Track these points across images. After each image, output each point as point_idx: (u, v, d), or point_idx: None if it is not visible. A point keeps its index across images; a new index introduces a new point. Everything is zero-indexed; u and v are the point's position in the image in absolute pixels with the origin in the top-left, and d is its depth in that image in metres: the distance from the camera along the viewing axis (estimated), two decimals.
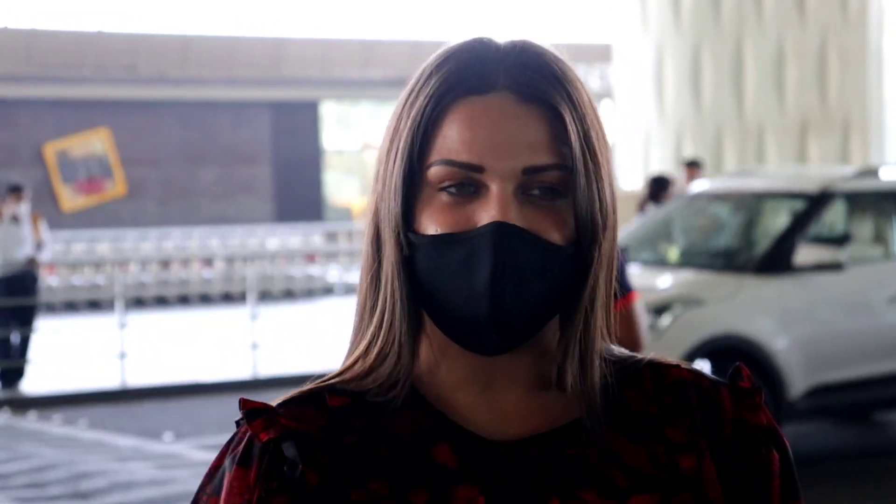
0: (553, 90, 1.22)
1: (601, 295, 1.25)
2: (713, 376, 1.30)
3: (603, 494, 1.22)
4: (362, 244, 1.28)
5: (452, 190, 1.21)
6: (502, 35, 1.28)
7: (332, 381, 1.27)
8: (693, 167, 13.94)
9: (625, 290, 4.54)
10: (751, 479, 1.27)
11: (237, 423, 1.26)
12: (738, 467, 1.27)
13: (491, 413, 1.24)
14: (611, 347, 1.28)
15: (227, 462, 1.25)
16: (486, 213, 1.19)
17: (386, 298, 1.24)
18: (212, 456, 10.09)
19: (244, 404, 1.25)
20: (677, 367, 1.30)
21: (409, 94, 1.25)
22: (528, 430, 1.24)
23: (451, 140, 1.21)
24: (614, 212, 1.25)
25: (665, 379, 1.28)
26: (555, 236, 1.21)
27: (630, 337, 4.50)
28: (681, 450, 1.25)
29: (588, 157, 1.22)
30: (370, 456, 1.22)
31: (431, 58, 1.26)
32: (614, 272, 1.27)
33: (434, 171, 1.21)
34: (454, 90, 1.22)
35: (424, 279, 1.22)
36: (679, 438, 1.25)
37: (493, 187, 1.20)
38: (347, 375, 1.26)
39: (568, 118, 1.21)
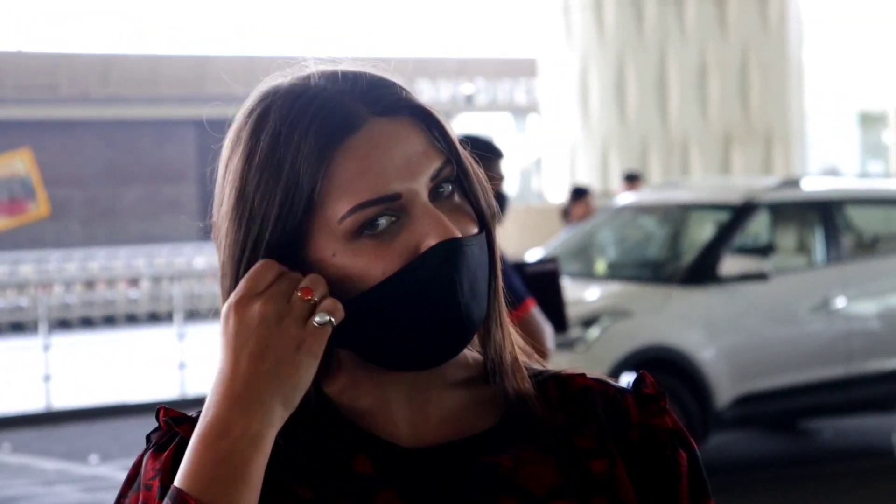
0: (406, 96, 1.23)
1: (500, 282, 1.27)
2: (618, 384, 1.31)
3: (522, 501, 1.23)
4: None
5: (369, 232, 1.18)
6: (314, 62, 1.24)
7: None
8: (632, 181, 13.84)
9: (519, 298, 4.43)
10: (659, 481, 1.28)
11: (148, 437, 1.26)
12: (646, 470, 1.28)
13: (409, 421, 1.25)
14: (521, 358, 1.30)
15: (143, 460, 1.25)
16: (428, 233, 1.18)
17: None
18: None
19: (167, 412, 1.25)
20: (582, 375, 1.30)
21: (262, 162, 1.20)
22: (445, 436, 1.25)
23: (352, 184, 1.18)
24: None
25: (570, 388, 1.29)
26: (473, 228, 1.23)
27: (532, 345, 4.45)
28: (591, 455, 1.26)
29: (456, 145, 1.25)
30: (295, 465, 1.23)
31: (269, 118, 1.20)
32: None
33: (349, 223, 1.18)
34: (331, 140, 1.19)
35: (375, 326, 1.20)
36: (588, 444, 1.26)
37: (415, 208, 1.19)
38: None
39: (434, 112, 1.23)
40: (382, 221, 1.18)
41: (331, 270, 1.19)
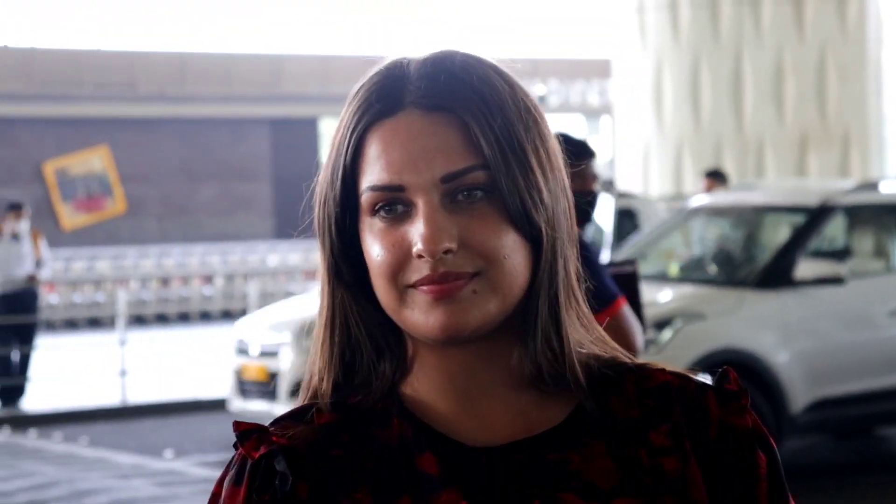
0: (457, 95, 1.23)
1: (562, 286, 1.26)
2: (699, 379, 1.30)
3: (585, 497, 1.22)
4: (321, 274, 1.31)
5: (383, 214, 1.23)
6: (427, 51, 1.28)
7: (321, 399, 1.29)
8: (712, 178, 12.99)
9: (609, 297, 4.42)
10: (738, 482, 1.27)
11: (234, 446, 1.29)
12: (724, 470, 1.27)
13: (473, 420, 1.26)
14: (593, 349, 1.28)
15: (224, 486, 1.27)
16: (417, 238, 1.21)
17: (351, 322, 1.27)
18: (212, 473, 9.97)
19: (237, 426, 1.27)
20: (662, 370, 1.29)
21: (338, 127, 1.28)
22: (510, 436, 1.25)
23: (372, 166, 1.23)
24: (563, 199, 1.26)
25: (648, 383, 1.28)
26: (492, 239, 1.21)
27: (622, 344, 4.42)
28: (664, 453, 1.25)
29: (509, 152, 1.22)
30: (357, 467, 1.25)
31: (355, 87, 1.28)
32: (573, 262, 1.27)
33: (365, 199, 1.24)
34: (364, 118, 1.25)
35: None
36: (662, 441, 1.26)
37: (419, 205, 1.21)
38: (327, 390, 1.28)
39: (472, 119, 1.22)
40: (399, 207, 1.22)
41: (362, 242, 1.25)
